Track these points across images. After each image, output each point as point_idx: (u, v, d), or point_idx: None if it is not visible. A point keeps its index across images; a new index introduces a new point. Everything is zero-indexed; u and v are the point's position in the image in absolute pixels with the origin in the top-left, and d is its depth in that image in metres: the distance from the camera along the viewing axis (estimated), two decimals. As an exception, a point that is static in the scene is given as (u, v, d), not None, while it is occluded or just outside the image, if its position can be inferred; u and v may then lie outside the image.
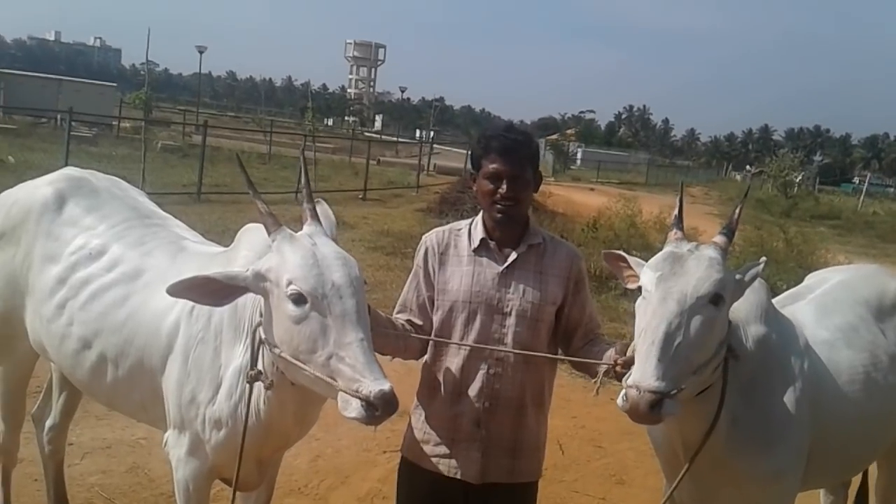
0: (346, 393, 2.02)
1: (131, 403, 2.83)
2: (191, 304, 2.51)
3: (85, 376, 2.81)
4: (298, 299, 2.09)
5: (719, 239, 2.35)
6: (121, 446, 4.55)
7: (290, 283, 2.11)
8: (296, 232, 2.26)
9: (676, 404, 2.06)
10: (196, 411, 2.51)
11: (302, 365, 2.12)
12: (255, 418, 2.41)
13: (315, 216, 2.32)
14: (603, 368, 2.36)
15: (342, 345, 2.04)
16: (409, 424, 2.72)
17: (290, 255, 2.15)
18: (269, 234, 2.24)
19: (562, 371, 2.73)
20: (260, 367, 2.31)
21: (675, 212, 2.50)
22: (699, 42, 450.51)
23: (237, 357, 2.44)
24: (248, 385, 2.33)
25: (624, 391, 2.09)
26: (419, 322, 2.66)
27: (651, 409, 2.02)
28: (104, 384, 2.77)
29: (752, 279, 2.34)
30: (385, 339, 2.52)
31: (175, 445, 2.60)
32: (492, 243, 2.60)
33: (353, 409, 2.01)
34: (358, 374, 2.01)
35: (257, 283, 2.19)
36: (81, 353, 2.76)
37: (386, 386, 1.99)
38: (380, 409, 1.98)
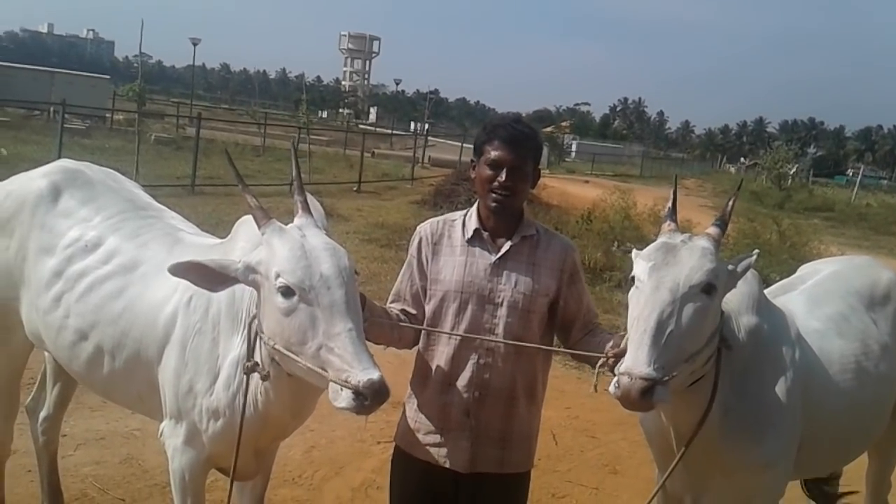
0: (336, 383, 2.04)
1: (128, 394, 2.84)
2: (188, 295, 2.54)
3: (82, 367, 2.81)
4: (287, 291, 2.11)
5: (712, 230, 2.36)
6: (115, 437, 4.56)
7: (278, 275, 2.12)
8: (288, 224, 2.27)
9: (667, 392, 2.08)
10: (193, 401, 2.52)
11: (294, 356, 2.13)
12: (252, 409, 2.42)
13: (306, 208, 2.33)
14: (600, 362, 2.37)
15: (331, 335, 2.05)
16: (403, 413, 2.73)
17: (278, 247, 2.17)
18: (258, 227, 2.25)
19: (555, 362, 2.75)
20: (257, 358, 2.32)
21: (669, 204, 2.52)
22: (694, 34, 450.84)
23: (235, 347, 2.45)
24: (245, 376, 2.34)
25: (616, 378, 2.10)
26: (413, 311, 2.66)
27: (642, 396, 2.03)
28: (101, 375, 2.78)
29: (745, 270, 2.35)
30: (380, 328, 2.53)
31: (171, 435, 2.61)
32: (485, 234, 2.60)
33: (343, 399, 2.02)
34: (346, 364, 2.02)
35: (247, 275, 2.21)
36: (78, 345, 2.76)
37: (374, 375, 1.99)
38: (369, 398, 1.98)
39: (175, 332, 2.57)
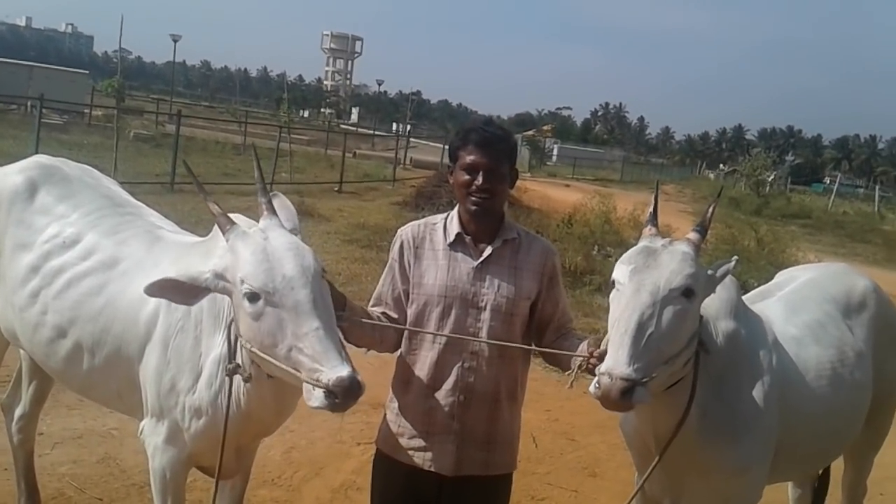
0: (308, 383, 2.04)
1: (107, 392, 2.82)
2: None
3: (59, 365, 2.79)
4: (252, 296, 2.11)
5: (693, 235, 2.39)
6: (92, 436, 4.52)
7: (242, 281, 2.12)
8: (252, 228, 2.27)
9: (647, 392, 2.10)
10: (176, 399, 2.51)
11: (269, 358, 2.14)
12: (235, 407, 2.42)
13: (271, 209, 2.32)
14: (577, 361, 2.38)
15: (299, 336, 2.05)
16: (384, 417, 2.73)
17: (241, 252, 2.17)
18: (223, 233, 2.26)
19: (535, 365, 2.76)
20: (238, 360, 2.32)
21: (650, 209, 2.54)
22: (676, 42, 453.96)
23: (217, 346, 2.45)
24: (227, 378, 2.34)
25: (596, 379, 2.13)
26: (394, 315, 2.66)
27: (622, 396, 2.05)
28: (79, 372, 2.76)
29: (724, 276, 2.38)
30: (361, 330, 2.53)
31: (152, 433, 2.60)
32: (467, 238, 2.61)
33: (316, 398, 2.02)
34: (316, 363, 2.02)
35: (217, 283, 2.21)
36: (56, 342, 2.74)
37: (344, 372, 1.99)
38: (339, 396, 1.98)
39: (157, 330, 2.56)
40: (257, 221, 2.33)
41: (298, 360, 2.06)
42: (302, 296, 2.08)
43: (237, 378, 2.34)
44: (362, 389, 2.03)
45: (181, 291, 2.21)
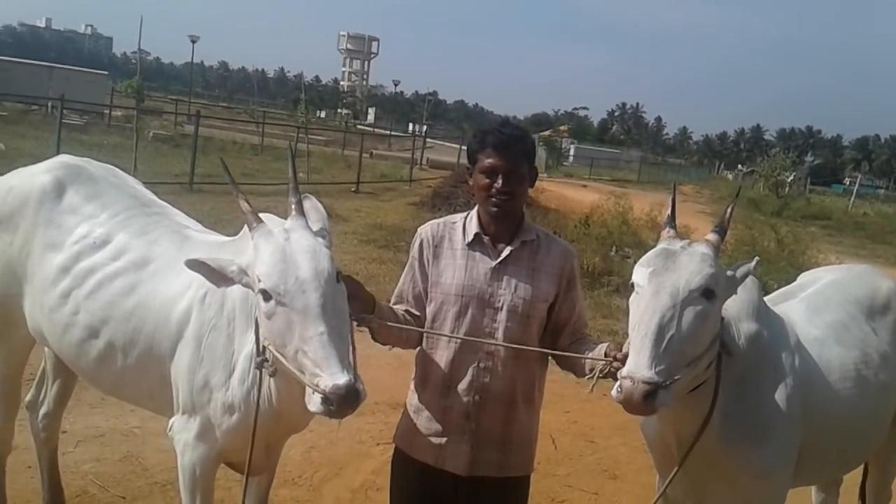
0: (308, 386, 2.06)
1: (138, 391, 2.85)
2: (202, 291, 2.57)
3: (90, 365, 2.82)
4: (266, 295, 2.14)
5: (711, 237, 2.38)
6: (114, 435, 4.56)
7: (259, 279, 2.15)
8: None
9: (670, 395, 2.09)
10: (209, 396, 2.55)
11: (280, 357, 2.17)
12: (266, 403, 2.45)
13: (300, 210, 2.34)
14: (599, 365, 2.37)
15: (305, 339, 2.07)
16: (403, 413, 2.75)
17: (262, 251, 2.20)
18: (249, 230, 2.29)
19: (554, 366, 2.75)
20: (267, 354, 2.34)
21: (668, 210, 2.53)
22: (693, 41, 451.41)
23: (249, 343, 2.47)
24: (257, 372, 2.36)
25: (618, 382, 2.12)
26: (416, 312, 2.67)
27: (645, 400, 2.05)
28: (111, 372, 2.79)
29: (744, 276, 2.36)
30: (388, 329, 2.55)
31: (182, 430, 2.63)
32: (486, 238, 2.61)
33: (314, 403, 2.04)
34: (317, 368, 2.04)
35: (241, 277, 2.25)
36: (87, 342, 2.77)
37: (341, 380, 2.00)
38: (334, 403, 2.00)
39: (189, 328, 2.59)
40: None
41: (303, 363, 2.08)
42: (312, 299, 2.09)
43: (268, 375, 2.36)
44: (360, 399, 2.04)
45: (211, 274, 2.28)
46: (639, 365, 2.09)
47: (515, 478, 2.66)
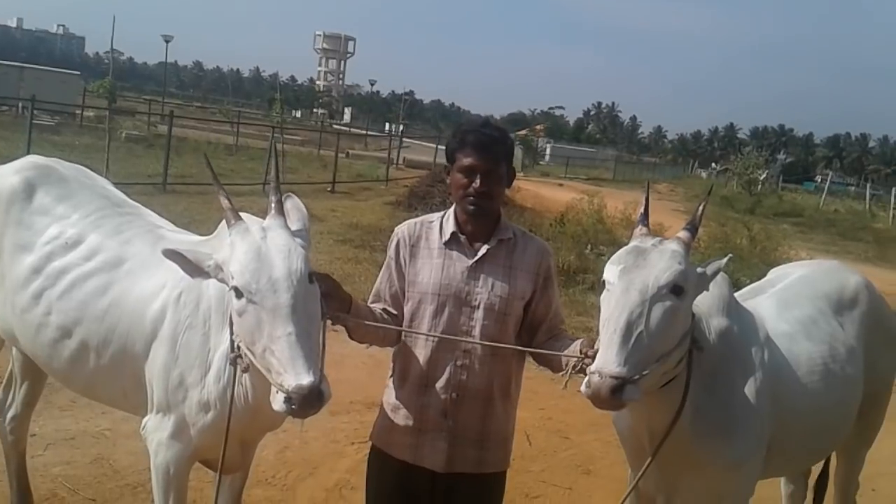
0: (274, 385, 2.07)
1: (112, 391, 2.84)
2: (177, 291, 2.58)
3: (63, 365, 2.80)
4: (237, 293, 2.14)
5: (683, 234, 2.40)
6: (85, 437, 4.51)
7: (232, 276, 2.16)
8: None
9: (638, 390, 2.11)
10: (184, 394, 2.54)
11: (249, 355, 2.17)
12: (242, 401, 2.45)
13: (279, 209, 2.34)
14: (572, 361, 2.39)
15: (273, 338, 2.07)
16: (380, 412, 2.75)
17: (237, 248, 2.20)
18: (228, 227, 2.29)
19: (529, 363, 2.77)
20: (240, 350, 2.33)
21: (642, 209, 2.55)
22: (668, 42, 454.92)
23: (224, 341, 2.47)
24: (231, 367, 2.36)
25: (587, 378, 2.13)
26: (394, 311, 2.68)
27: (612, 394, 2.06)
28: (84, 372, 2.77)
29: (715, 273, 2.38)
30: (365, 328, 2.56)
31: (156, 429, 2.62)
32: (462, 237, 2.62)
33: (277, 401, 2.05)
34: (282, 367, 2.05)
35: (217, 272, 2.24)
36: (60, 342, 2.75)
37: (304, 381, 2.00)
38: (296, 403, 2.01)
39: (164, 327, 2.58)
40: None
41: (270, 362, 2.09)
42: (283, 299, 2.09)
43: (241, 371, 2.36)
44: (323, 400, 2.05)
45: (187, 266, 2.27)
46: (607, 361, 2.10)
47: (492, 473, 2.67)
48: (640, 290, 2.20)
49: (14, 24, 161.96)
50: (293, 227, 2.34)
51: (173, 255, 2.26)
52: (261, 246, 2.18)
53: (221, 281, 2.26)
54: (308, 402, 2.01)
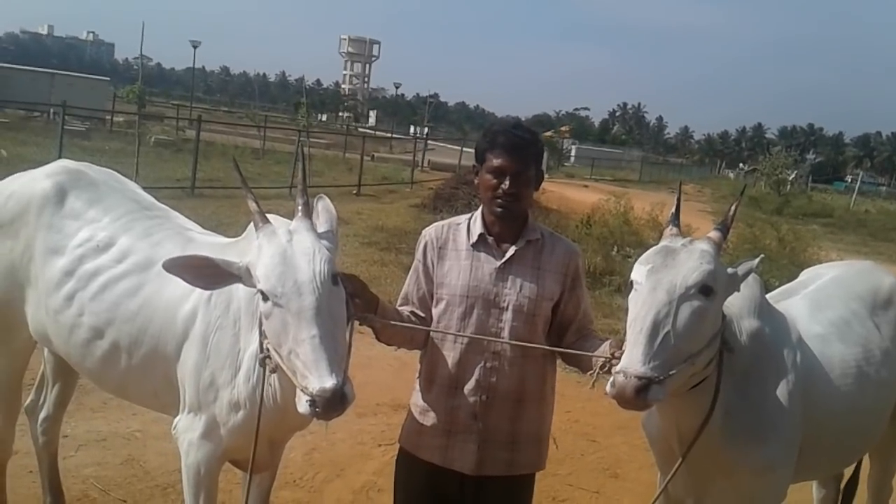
0: (298, 387, 2.08)
1: (143, 391, 2.88)
2: (208, 292, 2.58)
3: (95, 365, 2.85)
4: (264, 296, 2.16)
5: (713, 234, 2.37)
6: (115, 438, 4.56)
7: (258, 279, 2.18)
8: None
9: (663, 391, 2.09)
10: (215, 394, 2.57)
11: (276, 357, 2.19)
12: (271, 401, 2.48)
13: (306, 211, 2.35)
14: (599, 362, 2.37)
15: (298, 341, 2.09)
16: (408, 414, 2.75)
17: (264, 251, 2.22)
18: (255, 230, 2.31)
19: (557, 364, 2.75)
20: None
21: (673, 209, 2.52)
22: (694, 40, 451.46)
23: (254, 342, 2.48)
24: (261, 368, 2.38)
25: (612, 378, 2.12)
26: (421, 314, 2.68)
27: (637, 394, 2.04)
28: (116, 372, 2.82)
29: (746, 274, 2.36)
30: (392, 329, 2.56)
31: (187, 430, 2.64)
32: (490, 238, 2.61)
33: (302, 404, 2.06)
34: (307, 370, 2.06)
35: (247, 276, 2.26)
36: (93, 343, 2.80)
37: (328, 384, 2.01)
38: (319, 406, 2.02)
39: (195, 328, 2.62)
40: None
41: (294, 364, 2.10)
42: (307, 302, 2.11)
43: (270, 372, 2.37)
44: (346, 403, 2.06)
45: (204, 275, 2.27)
46: (632, 360, 2.09)
47: (522, 476, 2.67)
48: (667, 290, 2.18)
49: (45, 32, 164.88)
50: (321, 229, 2.35)
51: (186, 264, 2.27)
52: (286, 249, 2.19)
53: (250, 284, 2.27)
54: (331, 404, 2.02)
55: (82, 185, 3.05)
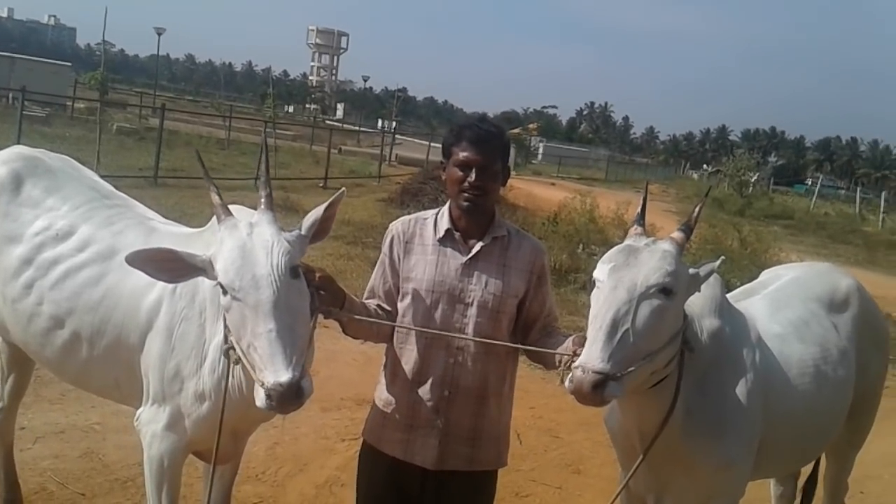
0: (255, 381, 2.09)
1: (103, 381, 2.84)
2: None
3: (55, 355, 2.80)
4: (223, 289, 2.16)
5: (677, 235, 2.40)
6: (74, 431, 4.49)
7: (218, 273, 2.17)
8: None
9: (620, 387, 2.11)
10: (180, 385, 2.55)
11: (239, 350, 2.18)
12: (237, 393, 2.46)
13: (269, 203, 2.34)
14: (565, 358, 2.39)
15: (255, 335, 2.09)
16: (372, 408, 2.75)
17: (225, 245, 2.21)
18: (218, 222, 2.30)
19: (520, 362, 2.77)
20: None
21: (638, 209, 2.55)
22: (662, 43, 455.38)
23: (219, 332, 2.46)
24: (225, 359, 2.36)
25: (571, 373, 2.14)
26: (387, 308, 2.68)
27: (594, 390, 2.07)
28: (76, 362, 2.77)
29: (708, 275, 2.38)
30: (359, 323, 2.56)
31: (151, 421, 2.62)
32: (457, 234, 2.62)
33: (258, 397, 2.07)
34: (263, 364, 2.07)
35: (210, 269, 2.24)
36: (52, 332, 2.75)
37: (283, 378, 2.02)
38: (275, 400, 2.02)
39: (160, 319, 2.59)
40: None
41: (252, 357, 2.11)
42: (265, 296, 2.10)
43: (233, 363, 2.35)
44: (302, 397, 2.06)
45: (167, 268, 2.24)
46: (591, 356, 2.11)
47: (484, 472, 2.67)
48: (627, 289, 2.21)
49: (5, 14, 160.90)
50: (307, 224, 2.34)
51: (149, 257, 2.24)
52: (245, 243, 2.19)
53: (212, 277, 2.25)
54: (286, 398, 2.03)
55: (39, 172, 3.00)
